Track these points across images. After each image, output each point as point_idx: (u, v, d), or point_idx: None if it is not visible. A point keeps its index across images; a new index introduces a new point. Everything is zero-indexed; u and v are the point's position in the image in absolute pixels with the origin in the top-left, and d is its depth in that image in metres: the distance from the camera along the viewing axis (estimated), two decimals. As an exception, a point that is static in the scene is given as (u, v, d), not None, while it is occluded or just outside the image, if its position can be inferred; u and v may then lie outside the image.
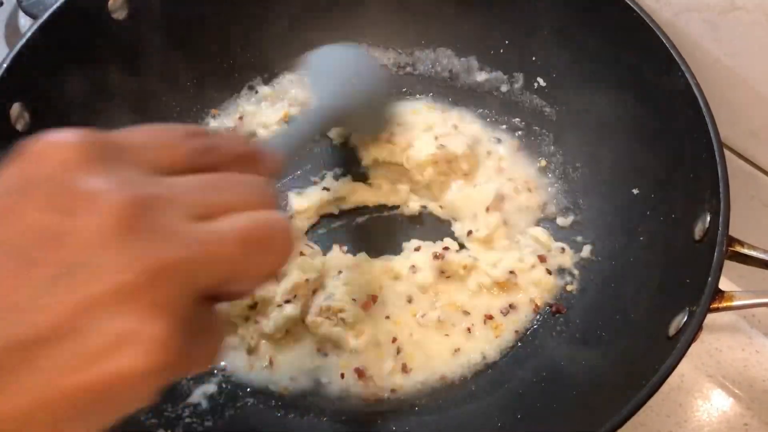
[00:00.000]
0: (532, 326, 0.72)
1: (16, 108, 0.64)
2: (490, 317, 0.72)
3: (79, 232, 0.27)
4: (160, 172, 0.32)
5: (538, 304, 0.73)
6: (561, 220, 0.78)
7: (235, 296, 0.33)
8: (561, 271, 0.75)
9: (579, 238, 0.76)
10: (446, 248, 0.74)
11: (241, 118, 0.83)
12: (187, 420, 0.65)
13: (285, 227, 0.33)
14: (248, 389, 0.68)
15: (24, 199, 0.28)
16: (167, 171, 0.32)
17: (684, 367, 0.66)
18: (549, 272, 0.74)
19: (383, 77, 0.80)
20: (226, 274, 0.31)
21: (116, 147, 0.31)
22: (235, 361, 0.69)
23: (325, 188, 0.78)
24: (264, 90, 0.84)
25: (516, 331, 0.71)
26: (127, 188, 0.29)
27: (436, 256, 0.73)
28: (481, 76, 0.84)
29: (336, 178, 0.80)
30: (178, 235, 0.29)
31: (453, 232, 0.77)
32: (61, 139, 0.30)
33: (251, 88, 0.84)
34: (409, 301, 0.72)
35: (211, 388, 0.68)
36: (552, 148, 0.81)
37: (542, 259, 0.74)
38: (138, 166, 0.31)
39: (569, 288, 0.74)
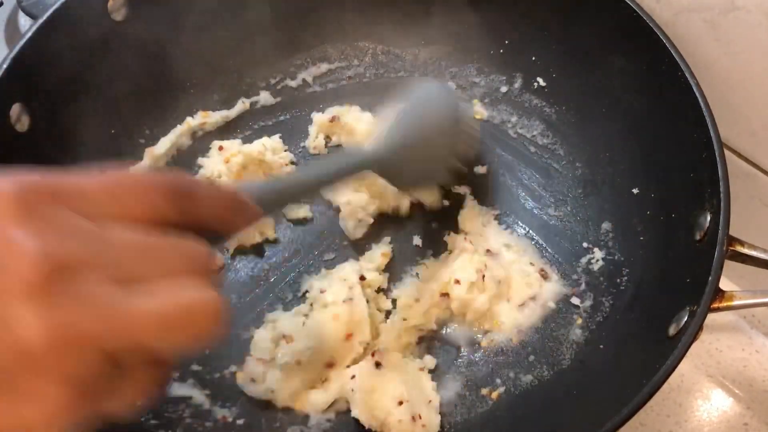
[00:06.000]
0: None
1: (16, 109, 0.64)
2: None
3: None
4: (110, 222, 0.31)
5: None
6: (561, 221, 0.78)
7: (149, 361, 0.32)
8: (561, 271, 0.75)
9: (579, 238, 0.76)
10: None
11: None
12: (188, 421, 0.65)
13: (211, 310, 0.32)
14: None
15: None
16: (118, 222, 0.32)
17: (684, 367, 0.66)
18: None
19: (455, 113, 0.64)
20: (139, 346, 0.31)
21: (61, 193, 0.31)
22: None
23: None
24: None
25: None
26: (51, 245, 0.28)
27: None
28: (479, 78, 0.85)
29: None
30: (96, 303, 0.29)
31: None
32: None
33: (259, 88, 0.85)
34: None
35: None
36: (551, 148, 0.81)
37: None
38: (81, 216, 0.30)
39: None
